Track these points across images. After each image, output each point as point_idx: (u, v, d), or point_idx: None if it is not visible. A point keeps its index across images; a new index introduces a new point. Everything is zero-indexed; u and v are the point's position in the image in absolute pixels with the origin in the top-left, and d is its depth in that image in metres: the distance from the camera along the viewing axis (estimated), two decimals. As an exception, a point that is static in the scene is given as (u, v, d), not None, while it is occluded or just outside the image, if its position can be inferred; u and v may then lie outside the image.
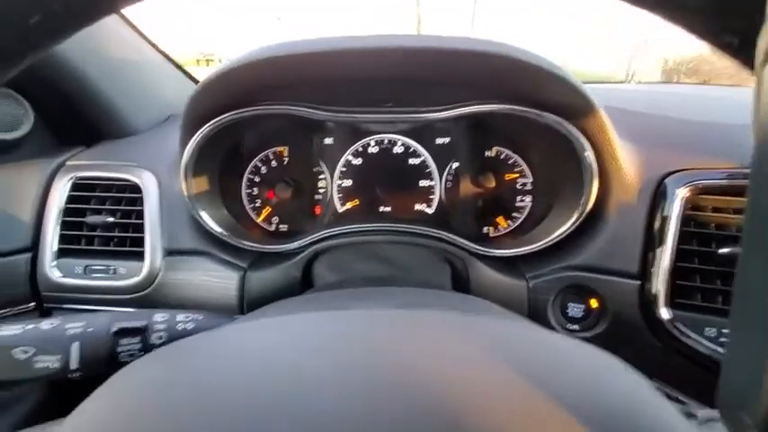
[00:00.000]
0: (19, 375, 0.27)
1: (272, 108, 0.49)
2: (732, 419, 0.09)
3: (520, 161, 0.56)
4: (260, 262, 0.53)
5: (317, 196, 0.59)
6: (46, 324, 0.28)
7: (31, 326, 0.28)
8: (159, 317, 0.32)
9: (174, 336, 0.31)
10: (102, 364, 0.28)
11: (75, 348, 0.28)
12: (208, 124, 0.48)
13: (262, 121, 0.53)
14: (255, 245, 0.53)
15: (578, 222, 0.46)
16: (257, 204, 0.60)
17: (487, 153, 0.56)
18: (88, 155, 0.59)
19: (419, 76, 0.46)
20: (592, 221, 0.47)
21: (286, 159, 0.59)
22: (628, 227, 0.45)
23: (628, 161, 0.45)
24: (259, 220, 0.60)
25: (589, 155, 0.44)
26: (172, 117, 0.73)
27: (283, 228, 0.60)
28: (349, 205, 0.58)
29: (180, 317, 0.33)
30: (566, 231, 0.46)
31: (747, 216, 0.09)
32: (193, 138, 0.49)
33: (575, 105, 0.43)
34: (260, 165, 0.59)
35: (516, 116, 0.47)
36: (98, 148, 0.61)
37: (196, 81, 0.85)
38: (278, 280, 0.52)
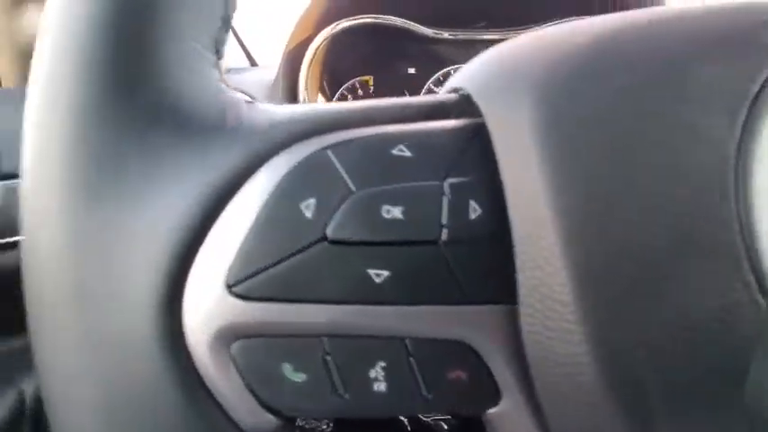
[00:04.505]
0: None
1: (380, 20, 0.52)
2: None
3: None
4: None
5: (401, 123, 0.62)
6: None
7: None
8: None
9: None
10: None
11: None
12: (321, 34, 0.51)
13: (351, 46, 0.56)
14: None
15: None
16: (343, 133, 0.62)
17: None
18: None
19: None
20: None
21: (371, 89, 0.62)
22: None
23: None
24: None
25: None
26: (233, 70, 0.74)
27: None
28: (432, 131, 0.62)
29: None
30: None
31: None
32: (308, 51, 0.51)
33: None
34: (346, 93, 0.61)
35: None
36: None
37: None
38: None
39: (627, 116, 0.12)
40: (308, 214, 0.12)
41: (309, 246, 0.12)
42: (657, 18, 0.14)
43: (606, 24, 0.14)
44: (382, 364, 0.12)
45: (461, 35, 0.57)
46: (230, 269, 0.12)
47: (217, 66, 0.15)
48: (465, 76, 0.16)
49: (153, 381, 0.11)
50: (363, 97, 0.61)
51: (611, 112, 0.12)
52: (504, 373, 0.13)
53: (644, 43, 0.13)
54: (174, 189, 0.12)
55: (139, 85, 0.12)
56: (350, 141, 0.13)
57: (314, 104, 0.15)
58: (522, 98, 0.13)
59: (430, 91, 0.61)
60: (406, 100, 0.16)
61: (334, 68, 0.58)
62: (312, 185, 0.12)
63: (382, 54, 0.60)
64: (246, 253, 0.12)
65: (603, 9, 0.54)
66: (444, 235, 0.12)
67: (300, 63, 0.52)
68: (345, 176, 0.13)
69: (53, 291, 0.11)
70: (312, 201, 0.12)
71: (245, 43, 0.87)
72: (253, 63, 0.89)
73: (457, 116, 0.15)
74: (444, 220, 0.13)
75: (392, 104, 0.15)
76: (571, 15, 0.55)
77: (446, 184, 0.13)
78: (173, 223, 0.12)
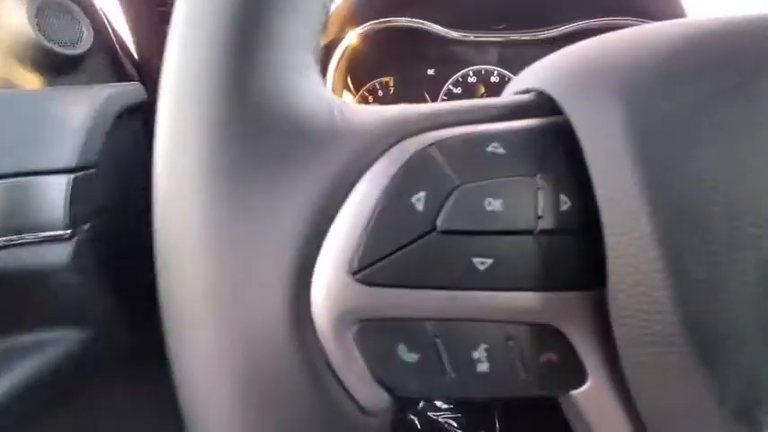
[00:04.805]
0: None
1: (410, 23, 0.53)
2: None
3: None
4: None
5: (421, 123, 0.63)
6: None
7: None
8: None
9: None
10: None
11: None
12: (350, 35, 0.52)
13: (375, 47, 0.57)
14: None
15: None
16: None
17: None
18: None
19: None
20: None
21: (392, 89, 0.63)
22: None
23: None
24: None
25: None
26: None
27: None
28: (451, 131, 0.63)
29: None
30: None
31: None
32: (336, 53, 0.52)
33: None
34: (367, 94, 0.62)
35: None
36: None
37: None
38: None
39: (712, 115, 0.13)
40: (419, 207, 0.13)
41: (422, 236, 0.13)
42: (725, 24, 0.15)
43: (682, 29, 0.15)
44: (485, 346, 0.14)
45: (485, 37, 0.58)
46: (354, 258, 0.13)
47: (317, 68, 0.16)
48: (539, 78, 0.17)
49: (283, 359, 0.12)
50: (383, 98, 0.62)
51: (697, 112, 0.13)
52: (589, 356, 0.14)
53: (720, 48, 0.14)
54: (297, 187, 0.13)
55: (260, 94, 0.13)
56: (449, 139, 0.14)
57: (405, 105, 0.16)
58: (608, 99, 0.14)
59: (449, 92, 0.62)
60: (489, 101, 0.17)
61: (357, 69, 0.59)
62: (420, 180, 0.13)
63: (403, 55, 0.61)
64: (367, 243, 0.13)
65: (619, 11, 0.55)
66: (540, 225, 0.14)
67: (327, 63, 0.53)
68: (449, 171, 0.14)
69: (192, 283, 0.12)
70: (422, 194, 0.13)
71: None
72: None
73: (536, 115, 0.16)
74: (540, 212, 0.14)
75: (478, 105, 0.16)
76: (589, 17, 0.56)
77: (538, 179, 0.14)
78: (299, 218, 0.13)
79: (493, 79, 0.63)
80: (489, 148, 0.14)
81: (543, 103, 0.16)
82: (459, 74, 0.62)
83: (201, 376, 0.12)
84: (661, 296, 0.12)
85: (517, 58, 0.62)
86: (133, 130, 0.56)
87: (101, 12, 0.58)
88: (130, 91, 0.56)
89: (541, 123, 0.15)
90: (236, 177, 0.13)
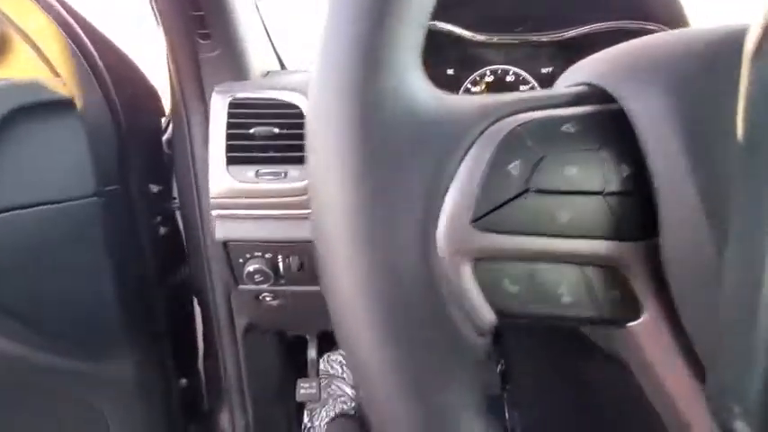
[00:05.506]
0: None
1: (432, 27, 0.57)
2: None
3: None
4: None
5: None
6: None
7: None
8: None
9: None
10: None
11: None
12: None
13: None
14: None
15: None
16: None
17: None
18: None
19: None
20: None
21: (414, 88, 0.66)
22: None
23: None
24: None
25: None
26: (271, 73, 0.78)
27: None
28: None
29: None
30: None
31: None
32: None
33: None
34: (390, 93, 0.66)
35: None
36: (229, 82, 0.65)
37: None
38: None
39: (723, 101, 0.17)
40: (515, 173, 0.17)
41: (519, 195, 0.17)
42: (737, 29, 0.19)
43: (700, 35, 0.19)
44: (566, 283, 0.17)
45: (506, 39, 0.62)
46: (471, 210, 0.16)
47: (421, 64, 0.19)
48: (588, 74, 0.21)
49: (418, 288, 0.16)
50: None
51: (719, 96, 0.17)
52: (644, 293, 0.18)
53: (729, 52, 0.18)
54: (420, 163, 0.17)
55: (386, 96, 0.17)
56: (532, 121, 0.18)
57: (492, 94, 0.20)
58: (654, 91, 0.17)
59: (467, 90, 0.66)
60: (554, 91, 0.20)
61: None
62: (514, 153, 0.17)
63: (424, 56, 0.64)
64: (480, 198, 0.17)
65: (629, 15, 0.59)
66: (607, 187, 0.17)
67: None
68: (535, 146, 0.17)
69: (352, 236, 0.16)
70: (516, 163, 0.17)
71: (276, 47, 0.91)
72: (282, 66, 0.93)
73: (591, 103, 0.20)
74: (607, 177, 0.17)
75: (548, 95, 0.20)
76: (600, 21, 0.60)
77: (603, 152, 0.18)
78: (424, 184, 0.16)
79: (508, 78, 0.67)
80: (563, 128, 0.18)
81: (596, 94, 0.20)
82: (476, 73, 0.66)
83: (356, 301, 0.16)
84: (703, 240, 0.16)
85: (530, 58, 0.66)
86: (31, 131, 0.50)
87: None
88: (37, 88, 0.50)
89: (601, 109, 0.19)
90: (379, 157, 0.16)
